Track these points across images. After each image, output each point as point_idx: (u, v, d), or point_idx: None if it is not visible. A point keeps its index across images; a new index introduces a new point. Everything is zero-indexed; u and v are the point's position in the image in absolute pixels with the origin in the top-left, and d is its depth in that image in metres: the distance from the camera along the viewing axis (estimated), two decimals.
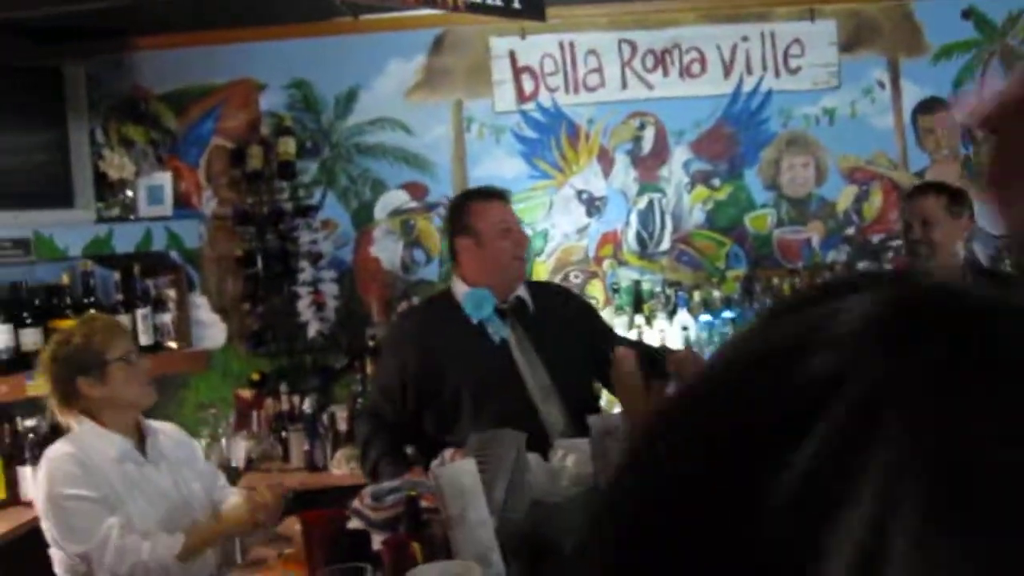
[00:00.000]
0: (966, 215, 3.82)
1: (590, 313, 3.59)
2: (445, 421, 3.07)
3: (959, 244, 3.69)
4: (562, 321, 3.25)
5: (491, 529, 2.10)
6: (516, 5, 2.96)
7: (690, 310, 4.51)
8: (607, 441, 2.50)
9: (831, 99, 4.77)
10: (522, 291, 3.26)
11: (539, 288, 3.44)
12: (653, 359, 2.98)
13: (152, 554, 2.55)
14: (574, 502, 2.46)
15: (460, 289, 3.21)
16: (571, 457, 2.59)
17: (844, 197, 4.79)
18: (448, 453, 2.78)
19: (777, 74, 4.75)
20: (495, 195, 3.32)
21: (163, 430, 2.98)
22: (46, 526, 2.68)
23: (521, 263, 3.25)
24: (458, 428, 2.99)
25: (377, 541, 2.27)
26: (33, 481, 3.79)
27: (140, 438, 2.85)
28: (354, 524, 2.52)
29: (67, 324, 3.95)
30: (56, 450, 2.72)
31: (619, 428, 2.50)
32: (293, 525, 2.65)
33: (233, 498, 2.92)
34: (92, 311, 3.84)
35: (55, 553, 2.68)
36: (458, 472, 2.07)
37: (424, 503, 2.46)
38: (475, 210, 3.22)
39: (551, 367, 3.13)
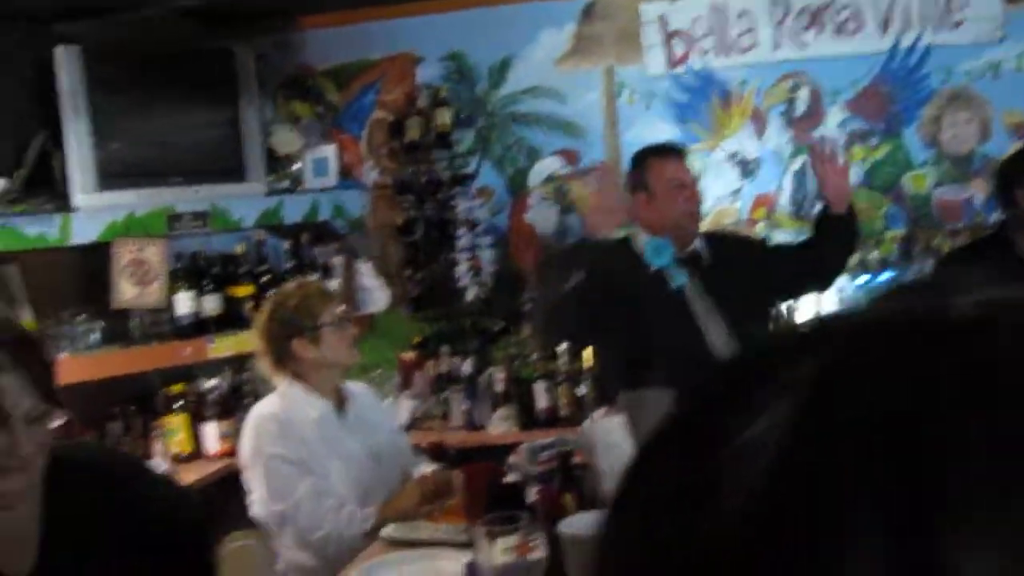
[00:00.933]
0: None
1: (755, 244, 3.75)
2: (624, 370, 3.13)
3: None
4: (737, 269, 3.30)
5: None
6: None
7: (846, 271, 4.45)
8: None
9: (996, 53, 4.59)
10: (698, 243, 3.32)
11: (713, 238, 3.50)
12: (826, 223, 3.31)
13: (348, 528, 2.70)
14: None
15: (641, 237, 3.30)
16: None
17: None
18: (598, 413, 2.87)
19: (937, 29, 4.61)
20: (671, 151, 3.45)
21: (361, 394, 3.13)
22: (248, 476, 2.87)
23: (693, 218, 3.32)
24: (638, 376, 3.01)
25: (531, 493, 2.39)
26: (217, 435, 4.11)
27: (340, 401, 3.00)
28: (510, 478, 2.65)
29: (243, 291, 4.24)
30: (263, 407, 2.91)
31: None
32: (456, 478, 2.80)
33: (420, 470, 3.03)
34: (304, 278, 4.10)
35: (254, 501, 2.88)
36: (609, 428, 2.16)
37: (576, 459, 2.57)
38: (651, 166, 3.34)
39: (729, 317, 3.18)
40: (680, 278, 3.19)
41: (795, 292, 3.68)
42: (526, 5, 4.68)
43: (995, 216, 4.57)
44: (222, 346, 4.17)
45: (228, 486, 4.01)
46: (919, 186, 4.67)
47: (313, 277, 4.43)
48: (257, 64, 4.45)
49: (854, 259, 4.48)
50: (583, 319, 3.23)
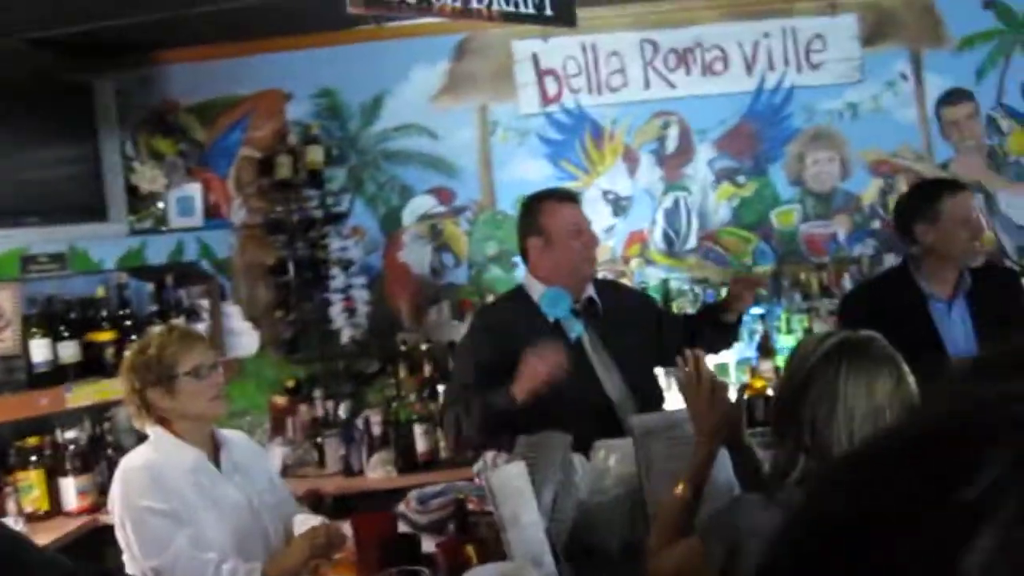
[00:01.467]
0: None
1: (651, 304, 3.72)
2: (522, 419, 3.07)
3: None
4: (629, 319, 3.29)
5: (542, 530, 2.13)
6: (548, 12, 2.99)
7: None
8: (649, 441, 2.53)
9: (854, 93, 4.77)
10: (591, 291, 3.29)
11: (604, 286, 3.47)
12: (714, 320, 3.27)
13: None
14: (619, 502, 2.49)
15: (535, 288, 3.24)
16: (613, 457, 2.62)
17: (870, 191, 4.80)
18: (490, 456, 2.81)
19: (799, 70, 4.76)
20: (566, 197, 3.38)
21: (237, 441, 2.97)
22: (120, 535, 2.69)
23: (590, 264, 3.28)
24: (535, 421, 2.96)
25: (430, 544, 2.30)
26: (76, 491, 3.87)
27: (214, 449, 2.85)
28: (401, 527, 2.55)
29: (104, 336, 4.03)
30: (132, 459, 2.73)
31: (660, 428, 2.52)
32: (343, 530, 2.68)
33: (300, 520, 2.90)
34: (173, 321, 3.97)
35: (128, 561, 2.70)
36: (510, 474, 2.10)
37: (470, 506, 2.49)
38: (546, 211, 3.26)
39: (623, 366, 3.16)
40: (577, 329, 3.16)
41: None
42: (398, 42, 4.62)
43: (858, 250, 4.74)
44: (81, 395, 3.93)
45: (90, 546, 3.79)
46: (786, 222, 4.79)
47: (178, 320, 4.24)
48: (117, 99, 4.25)
49: (724, 294, 4.58)
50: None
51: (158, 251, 4.32)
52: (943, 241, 3.29)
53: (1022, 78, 4.83)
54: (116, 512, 2.69)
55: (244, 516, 2.78)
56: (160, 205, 4.40)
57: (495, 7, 2.81)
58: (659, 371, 3.55)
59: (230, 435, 2.98)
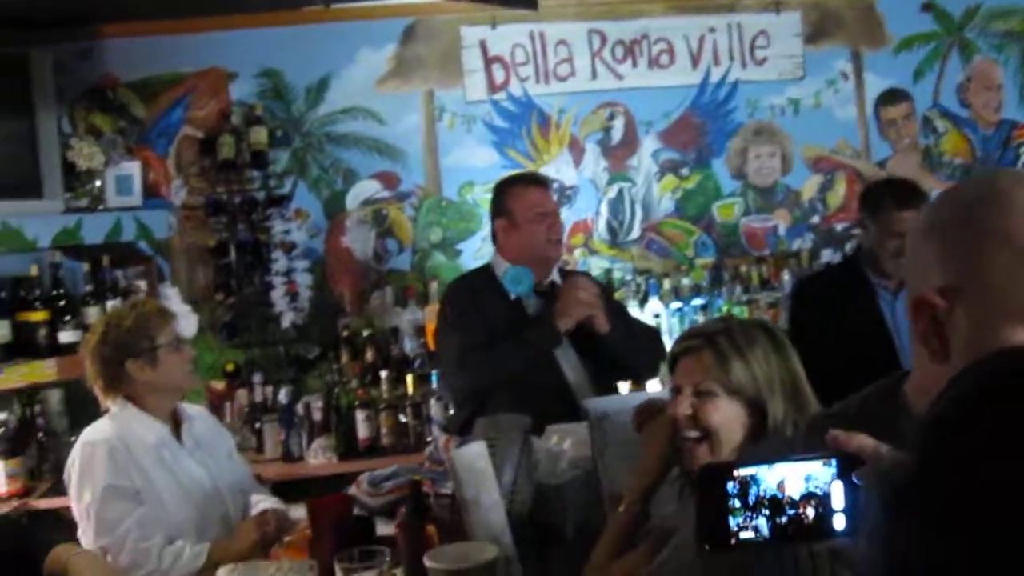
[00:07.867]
0: None
1: (619, 308, 3.66)
2: (480, 397, 3.08)
3: None
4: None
5: (503, 512, 2.12)
6: None
7: (660, 298, 4.57)
8: (604, 424, 2.53)
9: (796, 90, 4.85)
10: (556, 276, 3.31)
11: (571, 275, 3.48)
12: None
13: (173, 568, 2.53)
14: (574, 485, 2.49)
15: (500, 266, 3.28)
16: (568, 440, 2.62)
17: (809, 186, 4.88)
18: (442, 439, 2.79)
19: (744, 65, 4.82)
20: (533, 181, 3.46)
21: (199, 416, 2.96)
22: (76, 508, 2.67)
23: (555, 245, 3.32)
24: (494, 403, 2.97)
25: (390, 527, 2.27)
26: (5, 475, 3.76)
27: (176, 424, 2.83)
28: (355, 511, 2.52)
29: (36, 316, 3.92)
30: (93, 433, 2.70)
31: (616, 411, 2.53)
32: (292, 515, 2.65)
33: (255, 500, 2.87)
34: (140, 296, 3.95)
35: (81, 535, 2.67)
36: (473, 455, 2.08)
37: (425, 488, 2.47)
38: (513, 194, 3.33)
39: (581, 350, 3.18)
40: (537, 307, 3.19)
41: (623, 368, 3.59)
42: (345, 24, 4.57)
43: (796, 244, 4.82)
44: (12, 376, 3.81)
45: (18, 531, 3.68)
46: (727, 215, 4.84)
47: (114, 302, 4.13)
48: (55, 72, 4.13)
49: (667, 286, 4.62)
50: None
51: (94, 230, 4.19)
52: (876, 244, 3.36)
53: (957, 80, 4.95)
54: (73, 485, 2.67)
55: (206, 492, 2.77)
56: (97, 183, 4.27)
57: None
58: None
59: (192, 410, 2.98)
